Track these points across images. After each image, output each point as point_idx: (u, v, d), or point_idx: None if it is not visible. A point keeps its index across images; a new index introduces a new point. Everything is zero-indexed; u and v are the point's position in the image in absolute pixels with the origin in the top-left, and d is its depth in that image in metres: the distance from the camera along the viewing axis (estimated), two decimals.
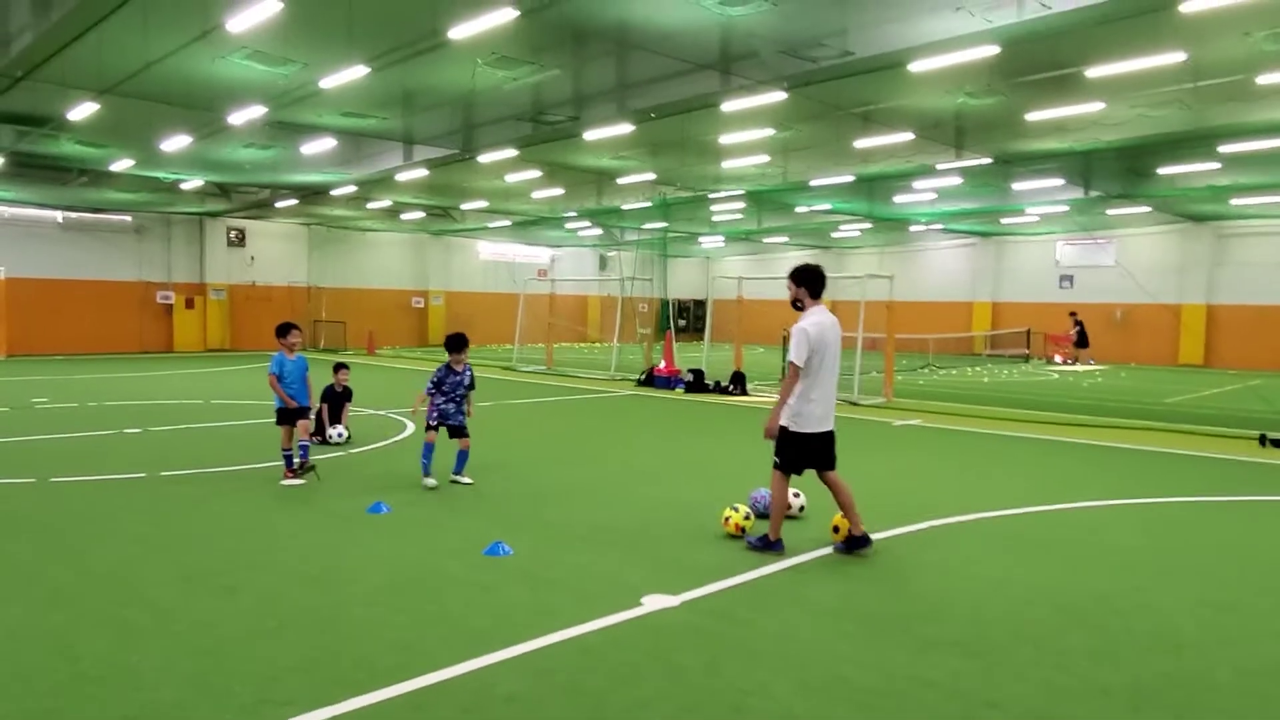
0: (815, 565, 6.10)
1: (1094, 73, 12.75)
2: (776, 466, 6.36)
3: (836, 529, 6.46)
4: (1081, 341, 30.07)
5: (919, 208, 28.58)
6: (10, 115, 16.62)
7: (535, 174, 22.35)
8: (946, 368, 27.26)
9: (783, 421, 6.28)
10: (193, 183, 24.00)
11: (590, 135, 16.54)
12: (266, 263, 31.95)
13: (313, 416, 9.24)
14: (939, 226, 33.16)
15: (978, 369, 27.34)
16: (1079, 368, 28.85)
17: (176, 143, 17.87)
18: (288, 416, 8.61)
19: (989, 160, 19.56)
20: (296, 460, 8.58)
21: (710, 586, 5.52)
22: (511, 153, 18.40)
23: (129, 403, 14.80)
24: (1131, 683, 4.21)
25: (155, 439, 11.07)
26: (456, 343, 8.48)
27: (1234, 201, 25.62)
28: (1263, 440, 11.84)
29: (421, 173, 20.93)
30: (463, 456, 8.52)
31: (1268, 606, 5.39)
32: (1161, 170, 21.11)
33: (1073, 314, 30.76)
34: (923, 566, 6.08)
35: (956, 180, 22.43)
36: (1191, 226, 30.45)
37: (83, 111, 14.97)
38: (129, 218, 28.65)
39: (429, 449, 8.36)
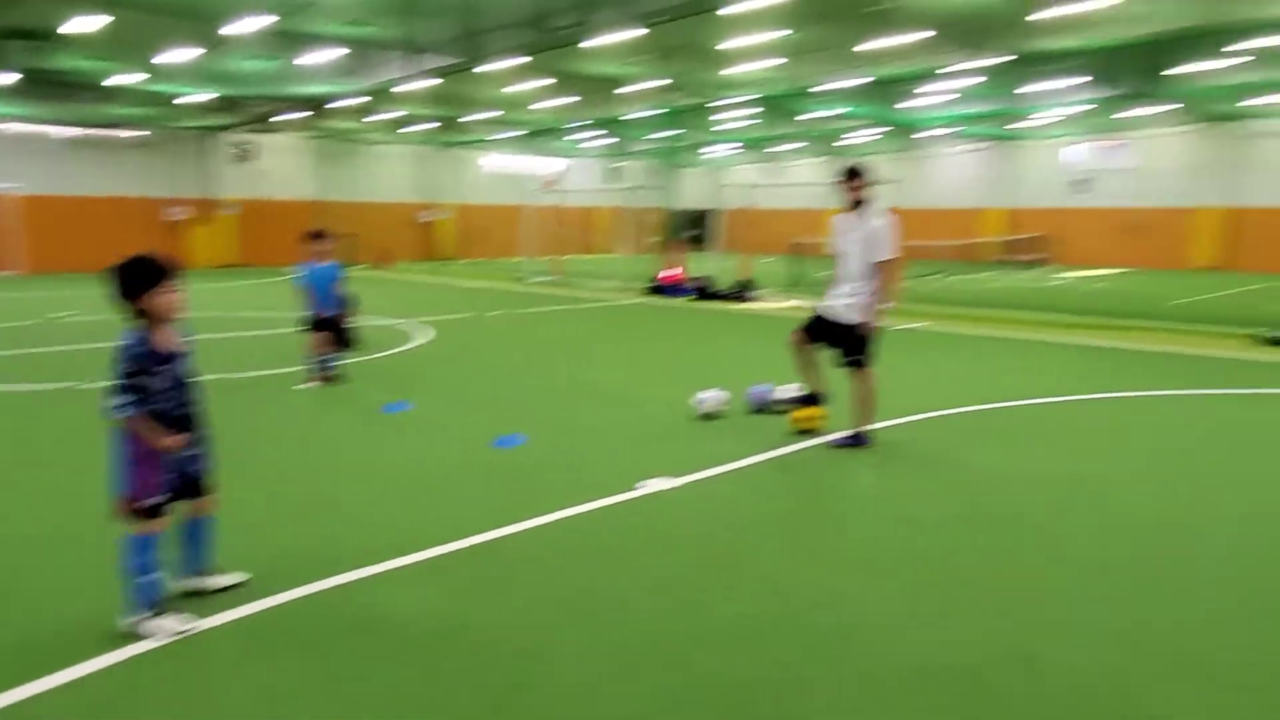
0: (809, 454, 6.44)
1: None
2: (864, 364, 6.43)
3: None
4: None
5: (931, 111, 28.14)
6: (15, 30, 16.55)
7: (544, 83, 22.13)
8: (958, 274, 27.29)
9: (865, 318, 6.35)
10: (198, 96, 23.90)
11: (595, 41, 16.35)
12: (274, 177, 31.96)
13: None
14: (952, 131, 32.67)
15: (989, 275, 27.36)
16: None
17: (181, 55, 17.79)
18: (313, 324, 8.82)
19: (1006, 58, 19.20)
20: (319, 370, 8.86)
21: (708, 471, 5.89)
22: (518, 61, 18.20)
23: None
24: (1080, 547, 4.57)
25: None
26: (141, 274, 3.51)
27: (1254, 100, 25.11)
28: (1271, 340, 11.94)
29: (427, 83, 20.76)
30: (202, 533, 3.92)
31: (1230, 489, 5.71)
32: (1180, 69, 20.70)
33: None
34: (914, 455, 6.41)
35: (973, 81, 22.05)
36: (1210, 127, 29.88)
37: (87, 24, 14.90)
38: (138, 133, 28.62)
39: (145, 550, 3.55)
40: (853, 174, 6.45)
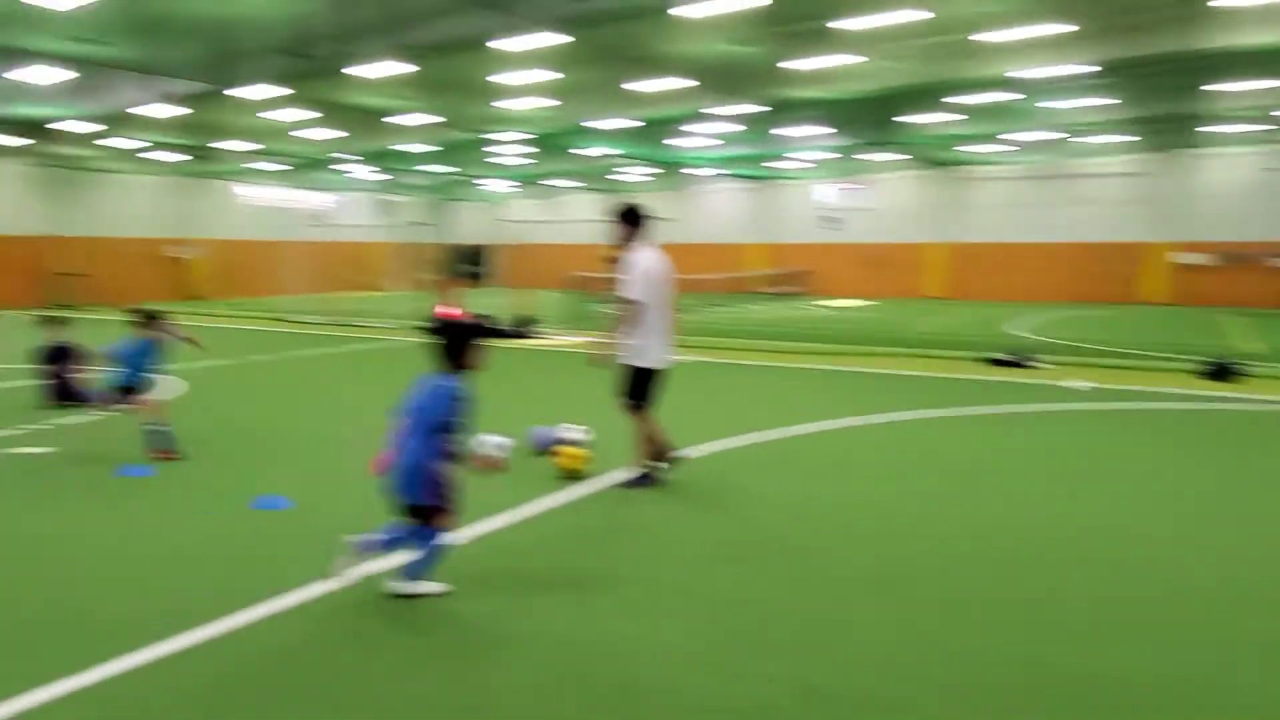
0: (599, 497, 6.40)
1: (840, 25, 13.77)
2: (632, 407, 6.47)
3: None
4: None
5: (697, 152, 29.59)
6: None
7: (309, 114, 21.08)
8: (723, 306, 28.68)
9: (628, 360, 6.39)
10: None
11: (357, 71, 15.80)
12: None
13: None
14: (717, 171, 34.52)
15: (753, 307, 28.98)
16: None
17: None
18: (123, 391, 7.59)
19: (758, 107, 20.56)
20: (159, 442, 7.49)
21: (492, 522, 5.68)
22: (274, 89, 17.24)
23: None
24: (861, 571, 4.82)
25: None
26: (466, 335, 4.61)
27: (967, 148, 28.52)
28: (993, 361, 13.43)
29: (176, 110, 19.16)
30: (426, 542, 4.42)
31: (967, 496, 6.27)
32: (906, 118, 23.09)
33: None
34: (701, 490, 6.53)
35: (730, 126, 23.42)
36: (936, 171, 33.56)
37: None
38: None
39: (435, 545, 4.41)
40: (614, 214, 6.53)
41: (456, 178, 35.52)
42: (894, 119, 23.03)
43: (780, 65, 16.80)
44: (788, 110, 21.46)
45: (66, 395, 9.88)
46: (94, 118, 20.81)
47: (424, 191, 39.64)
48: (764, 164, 32.54)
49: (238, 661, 3.73)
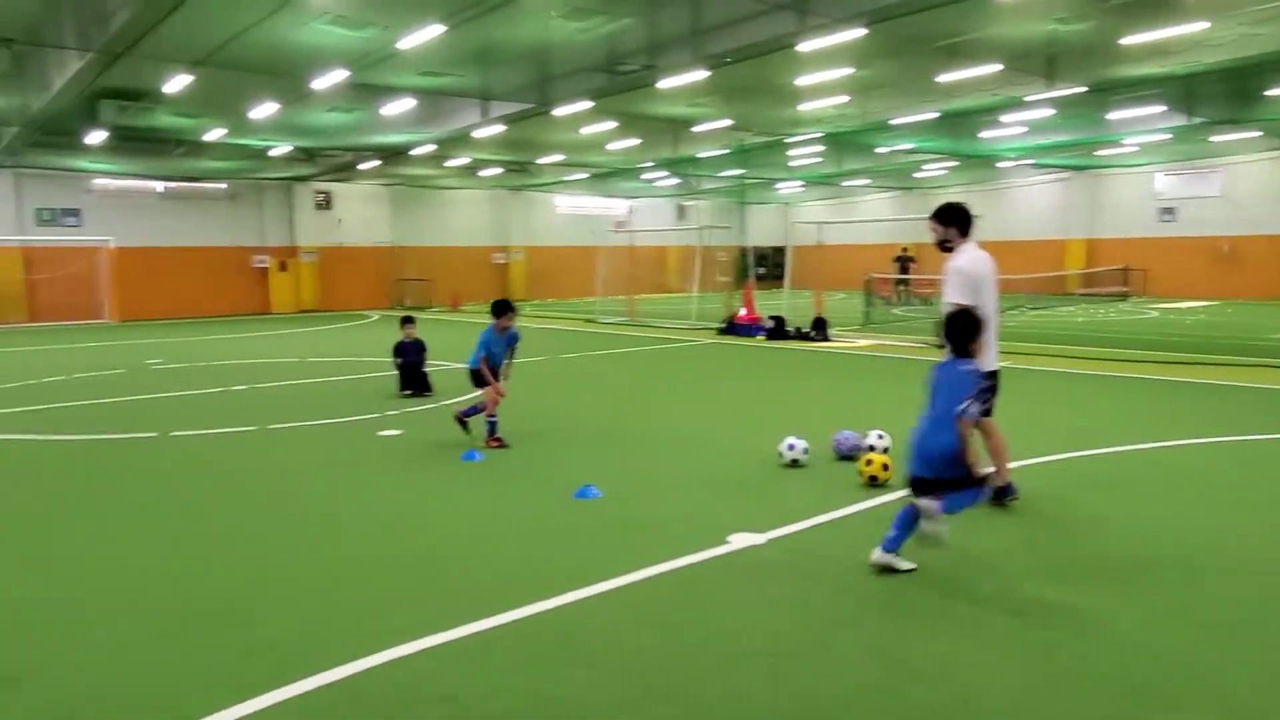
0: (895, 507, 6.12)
1: None
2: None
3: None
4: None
5: (1007, 143, 27.51)
6: (111, 90, 17.39)
7: (611, 125, 22.31)
8: (1039, 308, 26.43)
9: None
10: (280, 149, 24.78)
11: (664, 83, 16.40)
12: (352, 224, 32.84)
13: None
14: (1029, 162, 31.88)
15: (1072, 309, 26.44)
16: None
17: (264, 110, 18.49)
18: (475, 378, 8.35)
19: (1083, 89, 18.67)
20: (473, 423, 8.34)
21: (797, 525, 5.62)
22: (587, 105, 18.39)
23: (234, 362, 15.57)
24: (1224, 613, 4.18)
25: (261, 395, 11.67)
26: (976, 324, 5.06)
27: None
28: None
29: (499, 129, 21.12)
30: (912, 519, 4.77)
31: None
32: (1270, 92, 19.87)
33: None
34: (1007, 507, 6.04)
35: (1048, 112, 21.50)
36: None
37: (177, 84, 15.58)
38: (223, 185, 29.80)
39: (966, 501, 4.80)
40: (934, 215, 6.17)
41: (751, 180, 35.86)
42: (1258, 92, 19.91)
43: (1115, 41, 15.12)
44: (1116, 91, 19.30)
45: (415, 385, 11.25)
46: (432, 140, 23.48)
47: (719, 195, 40.48)
48: (1092, 151, 29.51)
49: (561, 635, 3.99)
